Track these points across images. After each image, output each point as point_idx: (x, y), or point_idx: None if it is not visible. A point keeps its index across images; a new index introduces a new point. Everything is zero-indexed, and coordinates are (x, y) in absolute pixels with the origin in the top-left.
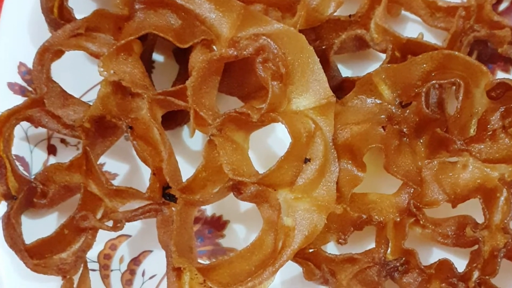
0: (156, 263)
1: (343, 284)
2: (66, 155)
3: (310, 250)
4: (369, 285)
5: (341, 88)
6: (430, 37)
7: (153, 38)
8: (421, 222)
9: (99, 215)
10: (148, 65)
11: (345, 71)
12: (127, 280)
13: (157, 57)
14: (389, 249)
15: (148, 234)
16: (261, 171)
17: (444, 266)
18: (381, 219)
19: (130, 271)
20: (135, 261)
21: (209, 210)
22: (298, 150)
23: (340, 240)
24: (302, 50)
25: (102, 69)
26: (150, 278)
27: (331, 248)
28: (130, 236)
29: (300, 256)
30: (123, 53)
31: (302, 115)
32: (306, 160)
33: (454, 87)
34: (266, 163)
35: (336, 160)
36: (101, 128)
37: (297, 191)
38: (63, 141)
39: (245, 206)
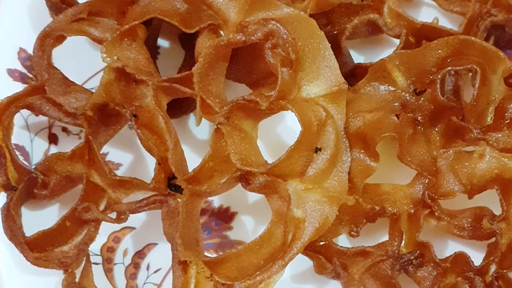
0: (161, 256)
1: (355, 278)
2: (68, 144)
3: (321, 243)
4: (382, 279)
5: (353, 74)
6: (445, 22)
7: (158, 22)
8: (436, 214)
9: (102, 207)
10: (153, 51)
11: (357, 57)
12: (131, 274)
13: (162, 42)
14: (403, 242)
15: (152, 227)
16: (270, 161)
17: (460, 259)
18: (395, 210)
19: (134, 264)
20: (140, 254)
21: (216, 201)
22: (308, 139)
23: (352, 233)
24: (312, 35)
25: (105, 55)
26: (155, 272)
27: (343, 241)
28: (134, 228)
29: (310, 249)
30: (127, 39)
31: (312, 102)
32: (317, 150)
33: (470, 74)
34: (275, 152)
35: (348, 149)
36: (104, 116)
37: (307, 182)
38: (64, 129)
39: (254, 197)
